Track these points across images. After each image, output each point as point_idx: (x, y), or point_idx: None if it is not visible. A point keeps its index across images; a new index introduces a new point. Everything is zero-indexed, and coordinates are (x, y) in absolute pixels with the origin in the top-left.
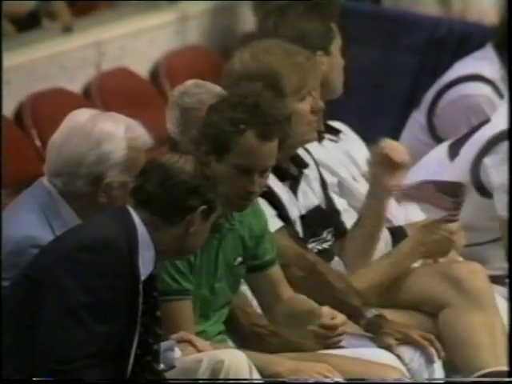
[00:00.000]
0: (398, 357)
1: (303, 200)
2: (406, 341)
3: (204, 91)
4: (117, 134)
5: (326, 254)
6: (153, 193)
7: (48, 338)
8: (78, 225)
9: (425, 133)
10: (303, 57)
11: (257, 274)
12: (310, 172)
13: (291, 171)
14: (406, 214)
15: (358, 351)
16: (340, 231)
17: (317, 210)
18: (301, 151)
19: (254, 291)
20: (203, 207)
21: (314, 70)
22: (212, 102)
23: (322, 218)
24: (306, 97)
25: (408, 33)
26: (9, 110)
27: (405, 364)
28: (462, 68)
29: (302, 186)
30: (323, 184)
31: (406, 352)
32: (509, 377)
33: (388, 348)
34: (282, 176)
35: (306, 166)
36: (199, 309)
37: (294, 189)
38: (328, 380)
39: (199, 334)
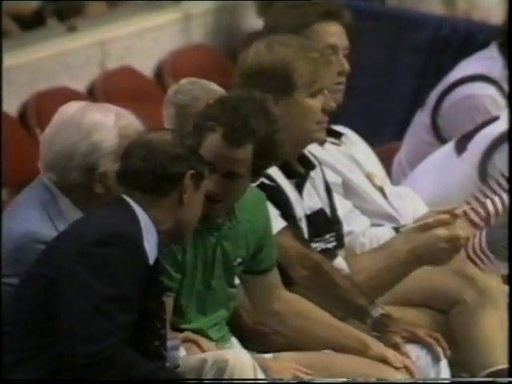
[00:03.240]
0: (405, 355)
1: (308, 200)
2: (413, 339)
3: (197, 87)
4: (107, 123)
5: (328, 254)
6: (138, 169)
7: (75, 336)
8: (81, 220)
9: (429, 133)
10: (318, 53)
11: (253, 276)
12: (316, 175)
13: (298, 170)
14: (414, 212)
15: None
16: (339, 242)
17: (321, 212)
18: (307, 153)
19: (246, 290)
20: (191, 172)
21: (328, 68)
22: (206, 98)
23: (326, 221)
24: (317, 94)
25: (412, 32)
26: (13, 109)
27: (411, 362)
28: (466, 68)
29: (308, 186)
30: (328, 190)
31: (413, 350)
32: (509, 376)
33: (394, 346)
34: (288, 174)
35: (313, 167)
36: (195, 304)
37: (299, 188)
38: (331, 380)
39: (198, 332)
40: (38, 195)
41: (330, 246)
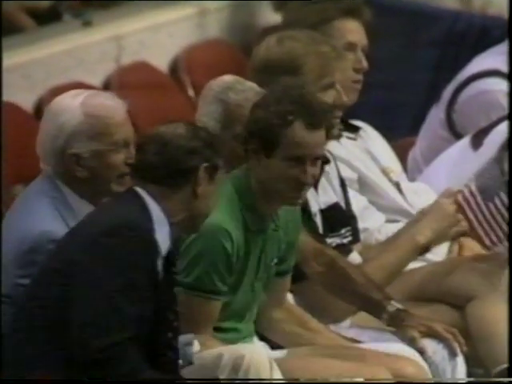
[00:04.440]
0: (421, 350)
1: (323, 195)
2: (430, 334)
3: (248, 89)
4: (71, 104)
5: (343, 249)
6: (153, 163)
7: (88, 329)
8: (91, 213)
9: (444, 128)
10: (329, 47)
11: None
12: (331, 170)
13: None
14: (427, 203)
15: (380, 346)
16: (354, 237)
17: (336, 206)
18: None
19: None
20: (205, 164)
21: (339, 62)
22: (255, 100)
23: (341, 216)
24: (328, 88)
25: (427, 27)
26: (29, 104)
27: (428, 357)
28: (481, 63)
29: (323, 181)
30: (343, 185)
31: (429, 345)
32: (509, 376)
33: (411, 341)
34: None
35: (327, 162)
36: (238, 311)
37: (314, 183)
38: (332, 380)
39: (233, 330)
40: (47, 193)
41: (345, 241)
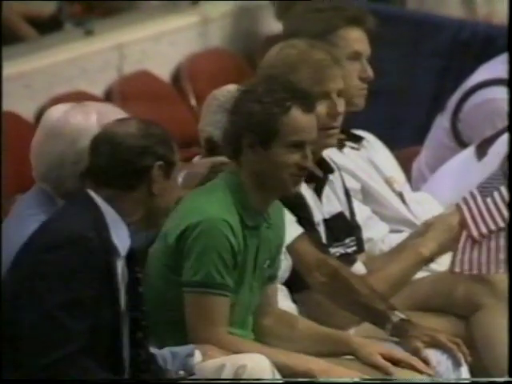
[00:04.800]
0: (425, 360)
1: (327, 205)
2: (433, 344)
3: None
4: (89, 126)
5: (348, 259)
6: (105, 166)
7: (30, 347)
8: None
9: (449, 137)
10: (324, 54)
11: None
12: (335, 180)
13: (317, 174)
14: (430, 213)
15: None
16: (359, 247)
17: (340, 216)
18: (326, 157)
19: None
20: (159, 163)
21: (335, 71)
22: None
23: (346, 225)
24: (320, 98)
25: (432, 35)
26: (30, 114)
27: (432, 367)
28: (486, 72)
29: (327, 190)
30: (347, 194)
31: (433, 355)
32: (509, 376)
33: (415, 351)
34: (306, 178)
35: (331, 171)
36: (241, 314)
37: (318, 192)
38: (331, 380)
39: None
40: (42, 208)
41: (349, 250)
